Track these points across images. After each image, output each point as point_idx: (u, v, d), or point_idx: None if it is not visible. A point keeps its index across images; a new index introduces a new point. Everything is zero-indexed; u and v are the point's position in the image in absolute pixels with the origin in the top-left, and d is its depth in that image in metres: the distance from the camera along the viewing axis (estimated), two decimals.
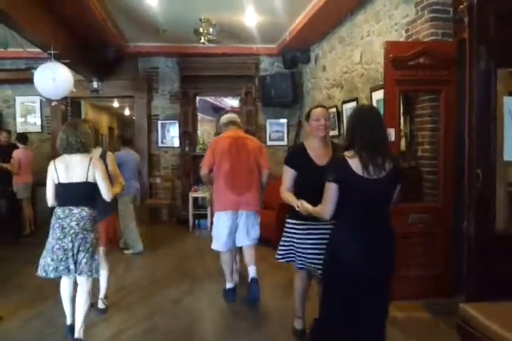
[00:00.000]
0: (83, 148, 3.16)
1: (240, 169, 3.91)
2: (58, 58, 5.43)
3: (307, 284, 3.12)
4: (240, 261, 4.57)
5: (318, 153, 2.89)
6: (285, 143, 8.00)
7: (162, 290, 4.35)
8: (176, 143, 7.95)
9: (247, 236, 3.95)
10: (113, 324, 3.55)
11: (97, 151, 3.78)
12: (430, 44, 3.68)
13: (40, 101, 7.83)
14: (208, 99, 11.94)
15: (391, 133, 3.72)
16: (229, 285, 4.02)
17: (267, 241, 5.96)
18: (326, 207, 2.24)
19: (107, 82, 7.62)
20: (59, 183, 3.10)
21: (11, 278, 4.67)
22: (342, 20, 5.67)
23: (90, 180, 3.12)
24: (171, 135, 7.98)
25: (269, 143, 7.90)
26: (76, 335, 3.11)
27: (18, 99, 7.91)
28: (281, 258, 3.11)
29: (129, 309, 3.87)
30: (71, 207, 3.09)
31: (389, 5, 4.46)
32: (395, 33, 4.35)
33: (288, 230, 3.04)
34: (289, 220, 3.03)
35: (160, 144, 7.99)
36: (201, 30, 5.90)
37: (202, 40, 5.99)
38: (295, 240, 2.96)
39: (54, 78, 4.99)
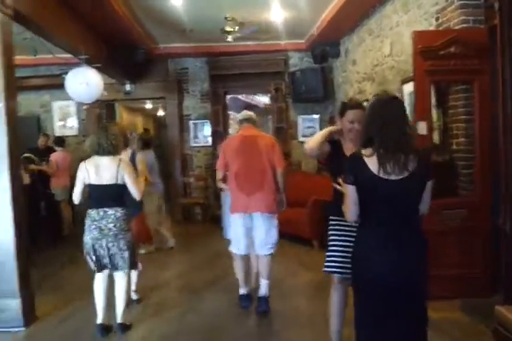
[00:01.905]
0: (114, 150, 3.27)
1: (250, 168, 3.71)
2: (89, 63, 5.55)
3: (346, 300, 2.71)
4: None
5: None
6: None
7: (192, 288, 4.40)
8: (208, 142, 7.99)
9: (263, 243, 3.74)
10: (144, 322, 3.61)
11: (127, 153, 3.87)
12: (460, 32, 3.51)
13: (76, 106, 8.04)
14: (240, 97, 12.00)
15: (423, 126, 3.60)
16: (242, 291, 3.89)
17: (300, 239, 5.94)
18: (348, 211, 2.06)
19: (139, 84, 7.74)
20: (90, 184, 3.23)
21: (50, 279, 4.81)
22: (370, 12, 5.51)
23: (120, 181, 3.24)
24: (203, 134, 8.03)
25: (301, 139, 7.79)
26: (118, 320, 3.33)
27: (55, 104, 8.15)
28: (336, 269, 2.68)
29: (160, 307, 3.92)
30: (105, 209, 3.23)
31: None
32: (425, 22, 4.19)
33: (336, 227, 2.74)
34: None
35: (192, 144, 8.05)
36: (227, 28, 5.88)
37: (229, 39, 5.97)
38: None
39: (86, 82, 5.09)
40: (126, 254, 3.25)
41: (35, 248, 6.00)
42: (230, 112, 12.76)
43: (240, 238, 3.78)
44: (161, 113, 10.91)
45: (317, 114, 7.86)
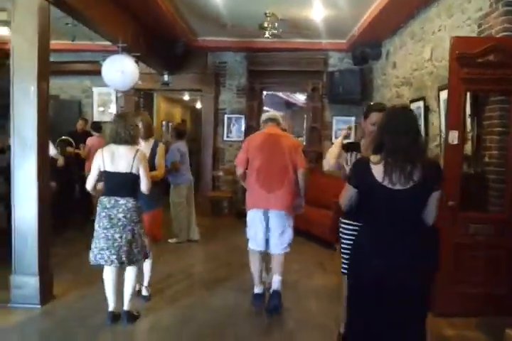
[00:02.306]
0: (131, 140, 3.26)
1: (272, 166, 3.72)
2: (128, 51, 5.66)
3: None
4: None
5: None
6: (352, 141, 7.72)
7: (206, 282, 4.44)
8: (241, 137, 7.98)
9: (278, 242, 3.75)
10: (153, 312, 3.65)
11: (150, 142, 3.88)
12: (501, 40, 3.36)
13: (116, 92, 8.21)
14: (279, 94, 11.94)
15: (454, 135, 3.47)
16: (257, 290, 3.85)
17: (321, 240, 5.88)
18: (341, 203, 2.20)
19: (178, 76, 7.79)
20: (105, 171, 3.23)
21: (73, 258, 4.93)
22: (414, 14, 5.34)
23: (134, 171, 3.23)
24: (237, 129, 8.04)
25: (335, 140, 7.68)
26: (125, 308, 3.37)
27: (96, 90, 8.33)
28: None
29: (171, 298, 3.96)
30: (117, 198, 3.21)
31: None
32: (468, 28, 4.02)
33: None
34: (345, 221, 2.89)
35: (225, 138, 8.07)
36: (266, 24, 5.84)
37: (266, 35, 5.94)
38: None
39: (122, 70, 5.18)
40: (134, 246, 3.23)
41: (65, 228, 6.24)
42: (267, 108, 12.77)
43: (257, 233, 3.78)
44: (199, 105, 11.02)
45: (353, 115, 7.71)
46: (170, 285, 4.28)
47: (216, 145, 8.09)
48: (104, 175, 3.27)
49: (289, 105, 12.98)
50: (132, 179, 3.26)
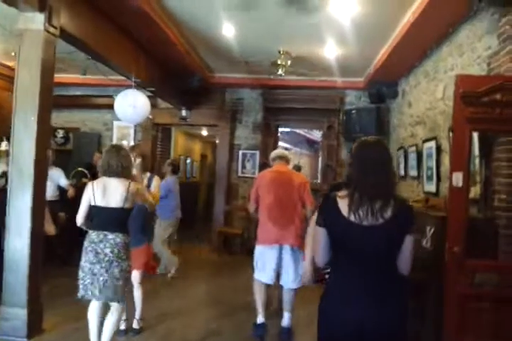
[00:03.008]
0: (123, 173, 3.19)
1: (283, 202, 3.89)
2: (142, 86, 5.77)
3: None
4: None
5: None
6: (339, 181, 7.57)
7: (201, 321, 4.28)
8: (255, 174, 7.91)
9: (293, 277, 3.86)
10: None
11: (146, 176, 3.87)
12: (509, 78, 3.22)
13: (135, 127, 8.35)
14: (301, 132, 11.95)
15: (458, 177, 3.29)
16: (260, 319, 3.91)
17: None
18: (316, 256, 1.95)
19: (196, 111, 7.90)
20: (95, 205, 3.14)
21: (74, 290, 4.84)
22: (427, 53, 5.28)
23: (127, 206, 3.15)
24: (251, 165, 7.99)
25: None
26: None
27: (116, 123, 8.51)
28: None
29: (163, 336, 3.81)
30: (106, 232, 3.11)
31: (472, 36, 4.04)
32: (477, 66, 3.92)
33: None
34: None
35: (240, 173, 8.03)
36: (279, 62, 5.89)
37: (279, 72, 5.97)
38: None
39: (134, 105, 5.26)
40: (119, 283, 3.09)
41: (71, 258, 6.16)
42: (288, 146, 12.73)
43: (268, 268, 3.90)
44: (218, 140, 11.10)
45: None
46: (163, 325, 4.12)
47: (230, 180, 8.04)
48: (94, 210, 3.16)
49: (310, 143, 12.93)
50: (123, 214, 3.18)
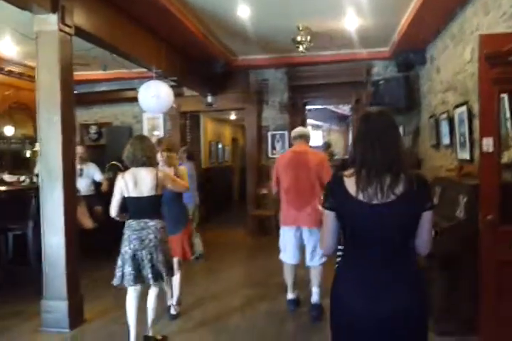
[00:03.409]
0: (149, 162, 3.28)
1: (299, 184, 3.90)
2: (165, 76, 5.79)
3: None
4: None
5: None
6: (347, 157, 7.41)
7: (237, 304, 4.34)
8: None
9: (312, 257, 3.96)
10: (179, 335, 3.61)
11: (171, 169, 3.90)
12: None
13: (164, 117, 8.43)
14: (331, 107, 11.73)
15: (488, 143, 3.14)
16: (290, 296, 4.11)
17: None
18: (324, 241, 1.82)
19: (221, 96, 7.87)
20: (129, 196, 3.25)
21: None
22: (452, 15, 5.01)
23: (158, 193, 3.27)
24: (281, 146, 7.94)
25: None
26: (148, 332, 3.38)
27: (145, 115, 8.60)
28: None
29: (200, 321, 3.90)
30: (146, 220, 3.25)
31: None
32: (504, 24, 3.68)
33: None
34: None
35: (270, 155, 7.99)
36: (299, 38, 5.75)
37: (300, 49, 5.84)
38: None
39: (157, 95, 5.30)
40: (164, 267, 3.24)
41: (111, 250, 6.36)
42: (319, 123, 12.57)
43: (289, 248, 4.05)
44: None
45: (401, 125, 7.35)
46: (199, 308, 4.21)
47: (261, 162, 8.02)
48: (129, 200, 3.28)
49: (341, 118, 12.71)
50: (156, 201, 3.32)
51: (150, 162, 3.30)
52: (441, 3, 4.68)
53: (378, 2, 4.96)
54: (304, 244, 4.01)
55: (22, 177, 6.11)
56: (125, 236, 3.28)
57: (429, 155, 6.38)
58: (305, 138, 4.13)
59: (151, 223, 3.24)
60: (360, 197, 1.67)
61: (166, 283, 3.90)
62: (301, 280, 4.35)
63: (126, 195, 3.25)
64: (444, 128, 5.45)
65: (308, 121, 10.71)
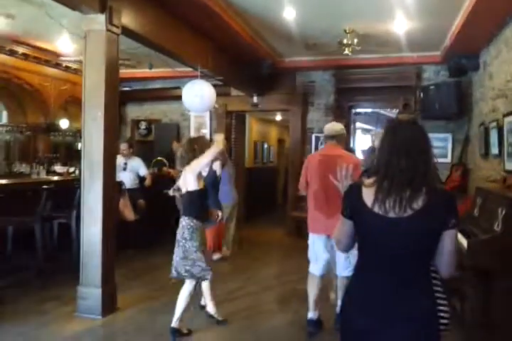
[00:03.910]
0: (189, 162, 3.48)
1: (329, 189, 3.49)
2: (211, 76, 5.90)
3: None
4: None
5: None
6: (449, 160, 7.13)
7: (262, 305, 4.37)
8: None
9: (345, 266, 3.62)
10: (201, 333, 3.68)
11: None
12: None
13: (210, 116, 8.59)
14: (383, 111, 11.48)
15: None
16: (310, 314, 3.73)
17: None
18: (339, 243, 1.82)
19: (266, 96, 7.93)
20: None
21: (150, 272, 5.20)
22: (507, 19, 4.79)
23: (189, 189, 3.42)
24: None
25: None
26: (172, 324, 3.45)
27: (192, 113, 8.79)
28: None
29: (227, 315, 3.94)
30: (183, 217, 3.47)
31: None
32: None
33: None
34: None
35: None
36: (345, 41, 5.69)
37: (346, 52, 5.78)
38: None
39: (201, 95, 5.40)
40: (188, 262, 3.35)
41: (149, 243, 6.54)
42: (367, 126, 12.31)
43: (318, 258, 3.73)
44: None
45: (450, 132, 7.12)
46: (227, 303, 4.28)
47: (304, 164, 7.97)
48: None
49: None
50: (187, 197, 3.46)
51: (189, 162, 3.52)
52: (494, 6, 4.48)
53: (428, 5, 4.83)
54: (333, 253, 3.70)
55: (71, 169, 6.44)
56: None
57: (478, 165, 6.13)
58: (337, 138, 3.75)
59: (181, 219, 3.45)
60: (376, 209, 1.60)
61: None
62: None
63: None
64: (493, 137, 5.23)
65: (358, 124, 10.54)
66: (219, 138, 3.70)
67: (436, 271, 1.68)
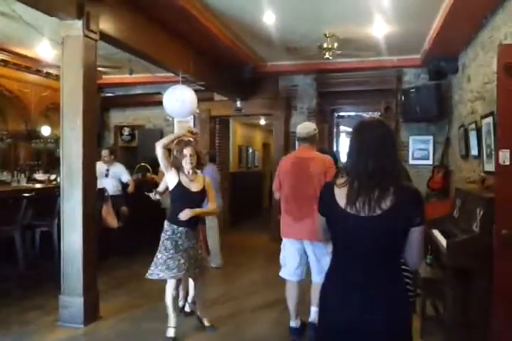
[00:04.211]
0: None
1: (299, 192, 3.51)
2: (192, 81, 5.89)
3: None
4: None
5: None
6: (430, 162, 7.22)
7: (244, 310, 4.33)
8: None
9: (317, 271, 3.55)
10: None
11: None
12: None
13: (194, 120, 8.57)
14: (365, 114, 11.59)
15: (505, 155, 3.05)
16: (292, 323, 3.67)
17: None
18: (318, 232, 1.95)
19: (251, 101, 7.95)
20: None
21: (133, 280, 5.14)
22: (483, 22, 4.88)
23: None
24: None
25: (411, 161, 7.27)
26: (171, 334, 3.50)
27: (176, 118, 8.75)
28: None
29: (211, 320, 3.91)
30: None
31: None
32: None
33: None
34: None
35: None
36: (325, 45, 5.74)
37: (326, 56, 5.82)
38: None
39: (182, 100, 5.40)
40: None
41: (134, 250, 6.48)
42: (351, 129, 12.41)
43: (289, 263, 3.66)
44: None
45: (431, 134, 7.21)
46: (209, 308, 4.18)
47: None
48: None
49: None
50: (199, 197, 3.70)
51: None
52: (470, 8, 4.55)
53: (406, 9, 4.89)
54: (307, 258, 3.64)
55: (53, 176, 6.37)
56: None
57: (459, 167, 6.21)
58: (309, 140, 3.66)
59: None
60: (349, 209, 1.66)
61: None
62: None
63: None
64: (473, 138, 5.30)
65: (342, 128, 10.62)
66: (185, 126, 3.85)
67: (404, 262, 1.78)
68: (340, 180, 1.74)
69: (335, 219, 1.74)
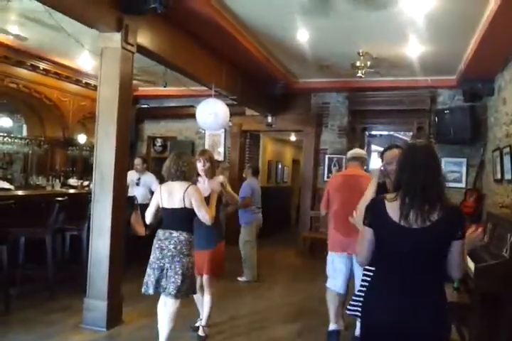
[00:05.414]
0: (182, 176, 3.40)
1: (348, 209, 3.41)
2: (224, 95, 6.00)
3: None
4: None
5: None
6: (463, 185, 7.06)
7: (269, 327, 4.26)
8: None
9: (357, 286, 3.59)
10: None
11: (218, 179, 3.94)
12: None
13: (225, 134, 8.69)
14: (399, 135, 11.48)
15: None
16: (332, 326, 3.81)
17: None
18: (359, 252, 2.03)
19: (282, 117, 8.01)
20: (163, 207, 3.39)
21: None
22: None
23: (188, 206, 3.33)
24: (337, 169, 7.85)
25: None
26: None
27: (208, 132, 8.91)
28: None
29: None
30: (171, 231, 3.34)
31: None
32: None
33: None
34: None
35: (325, 178, 7.93)
36: (358, 63, 5.76)
37: (359, 74, 5.84)
38: None
39: (215, 113, 5.51)
40: (178, 279, 3.24)
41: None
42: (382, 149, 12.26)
43: (336, 275, 3.82)
44: None
45: (464, 157, 7.07)
46: (229, 329, 4.15)
47: (316, 185, 7.99)
48: (163, 211, 3.42)
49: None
50: (186, 213, 3.36)
51: (184, 176, 3.40)
52: (507, 29, 4.51)
53: (441, 29, 4.88)
54: (352, 272, 3.78)
55: (86, 182, 6.55)
56: (153, 246, 3.40)
57: (493, 191, 6.06)
58: (359, 160, 3.95)
59: (175, 234, 3.31)
60: (402, 222, 1.85)
61: (197, 302, 3.97)
62: None
63: (160, 206, 3.41)
64: (507, 162, 5.18)
65: (373, 147, 10.52)
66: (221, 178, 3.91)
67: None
68: (390, 195, 1.95)
69: (386, 231, 1.90)
